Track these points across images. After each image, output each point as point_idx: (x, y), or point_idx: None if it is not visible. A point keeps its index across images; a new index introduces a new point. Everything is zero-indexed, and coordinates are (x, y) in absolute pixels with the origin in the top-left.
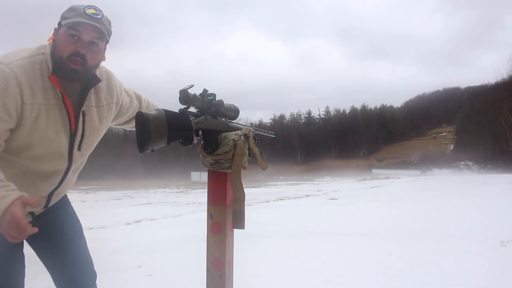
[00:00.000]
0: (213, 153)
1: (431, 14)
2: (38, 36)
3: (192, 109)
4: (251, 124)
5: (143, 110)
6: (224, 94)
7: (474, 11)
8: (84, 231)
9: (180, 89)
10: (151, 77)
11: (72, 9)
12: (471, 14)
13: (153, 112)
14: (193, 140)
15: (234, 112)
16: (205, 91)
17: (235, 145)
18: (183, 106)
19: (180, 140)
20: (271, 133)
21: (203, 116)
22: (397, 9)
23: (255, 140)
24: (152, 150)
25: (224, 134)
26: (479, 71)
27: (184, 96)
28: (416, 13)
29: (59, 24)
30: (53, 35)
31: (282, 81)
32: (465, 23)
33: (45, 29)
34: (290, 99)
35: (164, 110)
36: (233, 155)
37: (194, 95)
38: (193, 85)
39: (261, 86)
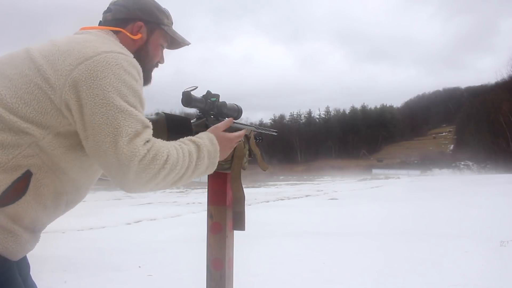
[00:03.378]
0: None
1: (428, 19)
2: (47, 38)
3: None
4: (251, 124)
5: None
6: (227, 95)
7: (469, 17)
8: (84, 231)
9: (183, 91)
10: (157, 77)
11: (167, 16)
12: (466, 19)
13: (153, 116)
14: None
15: (237, 112)
16: (208, 92)
17: (234, 147)
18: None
19: None
20: (273, 131)
21: (205, 118)
22: (395, 14)
23: (256, 139)
24: None
25: None
26: (477, 73)
27: (187, 98)
28: (414, 18)
29: (149, 22)
30: (139, 32)
31: (284, 82)
32: (461, 28)
33: (52, 32)
34: (292, 100)
35: (165, 113)
36: (232, 157)
37: (196, 97)
38: (196, 87)
39: (264, 88)
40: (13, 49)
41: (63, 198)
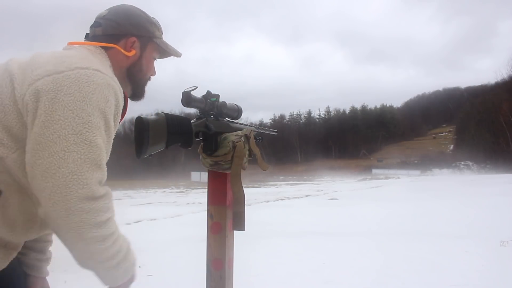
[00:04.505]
0: (213, 154)
1: (427, 20)
2: (49, 39)
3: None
4: (251, 124)
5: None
6: (228, 95)
7: (467, 19)
8: None
9: (183, 91)
10: (159, 77)
11: (158, 28)
12: (465, 21)
13: (153, 116)
14: (192, 143)
15: (237, 112)
16: (208, 92)
17: (234, 147)
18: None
19: (179, 144)
20: (273, 131)
21: (205, 118)
22: (395, 16)
23: (256, 139)
24: (150, 156)
25: (224, 135)
26: (476, 74)
27: (186, 98)
28: (413, 20)
29: (141, 36)
30: (132, 48)
31: (284, 83)
32: (460, 30)
33: (56, 33)
34: (292, 100)
35: (165, 113)
36: (232, 157)
37: (196, 97)
38: (196, 87)
39: (264, 88)
40: (14, 50)
41: (36, 220)
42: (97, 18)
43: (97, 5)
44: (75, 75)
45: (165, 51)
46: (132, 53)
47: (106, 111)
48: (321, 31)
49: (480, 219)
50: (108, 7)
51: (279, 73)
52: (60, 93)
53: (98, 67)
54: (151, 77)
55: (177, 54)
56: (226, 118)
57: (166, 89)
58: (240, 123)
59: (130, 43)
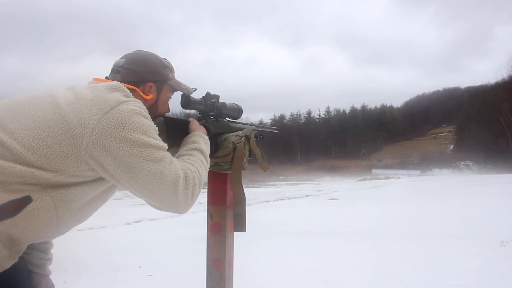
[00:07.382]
0: (213, 155)
1: (424, 25)
2: (54, 41)
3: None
4: (251, 123)
5: None
6: (230, 97)
7: (464, 23)
8: (84, 231)
9: (181, 93)
10: None
11: (170, 69)
12: (461, 26)
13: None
14: None
15: (237, 112)
16: (208, 94)
17: (234, 148)
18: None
19: (179, 146)
20: (274, 128)
21: (204, 120)
22: (393, 20)
23: (257, 138)
24: None
25: (224, 136)
26: (474, 76)
27: (186, 100)
28: (411, 25)
29: (157, 81)
30: (150, 92)
31: (286, 84)
32: (457, 34)
33: (60, 36)
34: (293, 101)
35: (163, 117)
36: (232, 158)
37: (196, 98)
38: (196, 89)
39: (266, 90)
40: (21, 50)
41: (51, 230)
42: (115, 66)
43: (98, 12)
44: (126, 107)
45: (177, 90)
46: (150, 97)
47: (154, 125)
48: (322, 34)
49: (480, 219)
50: (124, 55)
51: (280, 75)
52: (125, 126)
53: (132, 96)
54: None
55: (189, 91)
56: (227, 118)
57: None
58: (240, 123)
59: (148, 87)
